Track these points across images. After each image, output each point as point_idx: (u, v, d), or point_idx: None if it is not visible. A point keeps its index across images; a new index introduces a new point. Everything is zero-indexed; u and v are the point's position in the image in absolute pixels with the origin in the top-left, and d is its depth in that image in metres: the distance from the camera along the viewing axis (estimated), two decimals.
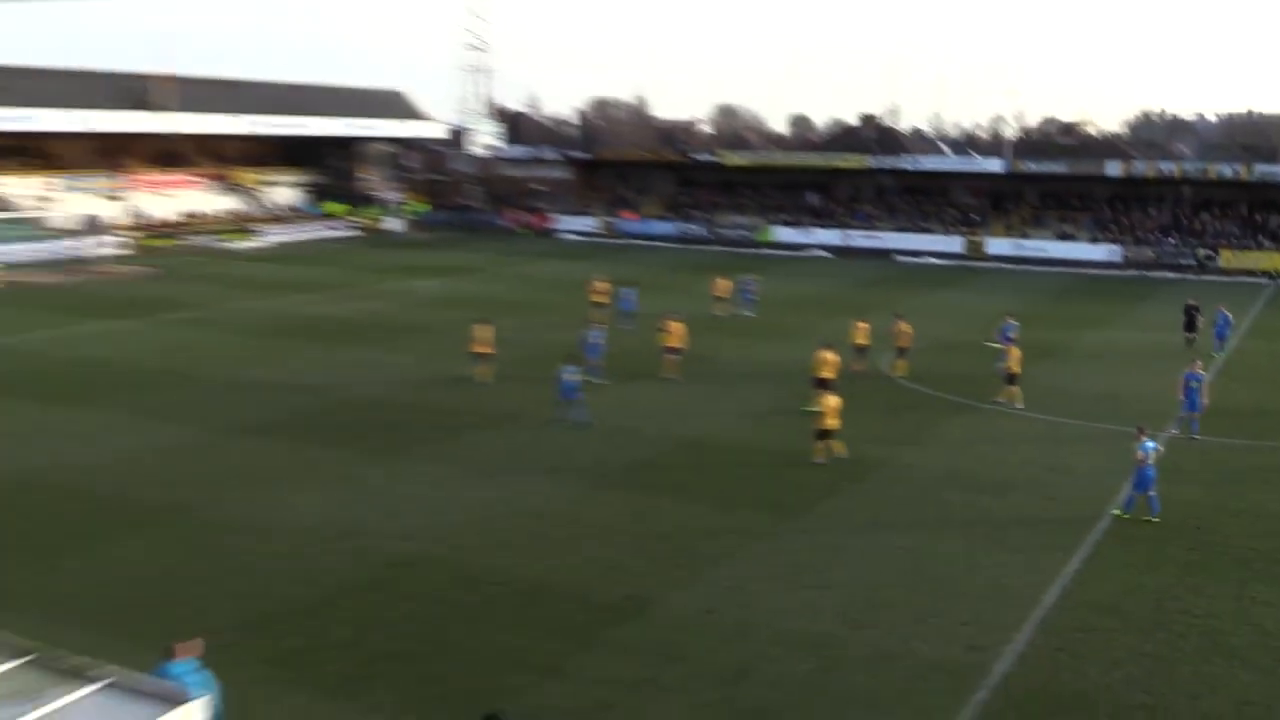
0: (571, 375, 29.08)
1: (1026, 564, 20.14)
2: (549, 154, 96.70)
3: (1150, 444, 22.49)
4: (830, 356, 30.57)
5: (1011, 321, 37.61)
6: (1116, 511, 22.66)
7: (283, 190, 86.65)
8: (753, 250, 75.88)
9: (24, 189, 70.54)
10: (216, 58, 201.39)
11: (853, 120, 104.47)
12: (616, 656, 16.43)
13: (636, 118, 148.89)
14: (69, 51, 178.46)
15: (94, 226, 69.68)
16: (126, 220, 73.48)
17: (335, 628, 17.27)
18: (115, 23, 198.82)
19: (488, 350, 33.68)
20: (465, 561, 20.05)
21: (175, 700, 11.40)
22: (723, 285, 48.11)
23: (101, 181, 74.96)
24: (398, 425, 29.12)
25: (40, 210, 69.65)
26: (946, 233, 77.40)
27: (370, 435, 28.12)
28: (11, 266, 57.29)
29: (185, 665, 12.20)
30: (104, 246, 67.12)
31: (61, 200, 71.55)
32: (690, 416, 30.37)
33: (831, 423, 25.79)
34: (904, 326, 35.66)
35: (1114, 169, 77.90)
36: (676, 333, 34.87)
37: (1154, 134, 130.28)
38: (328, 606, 18.06)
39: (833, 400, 26.19)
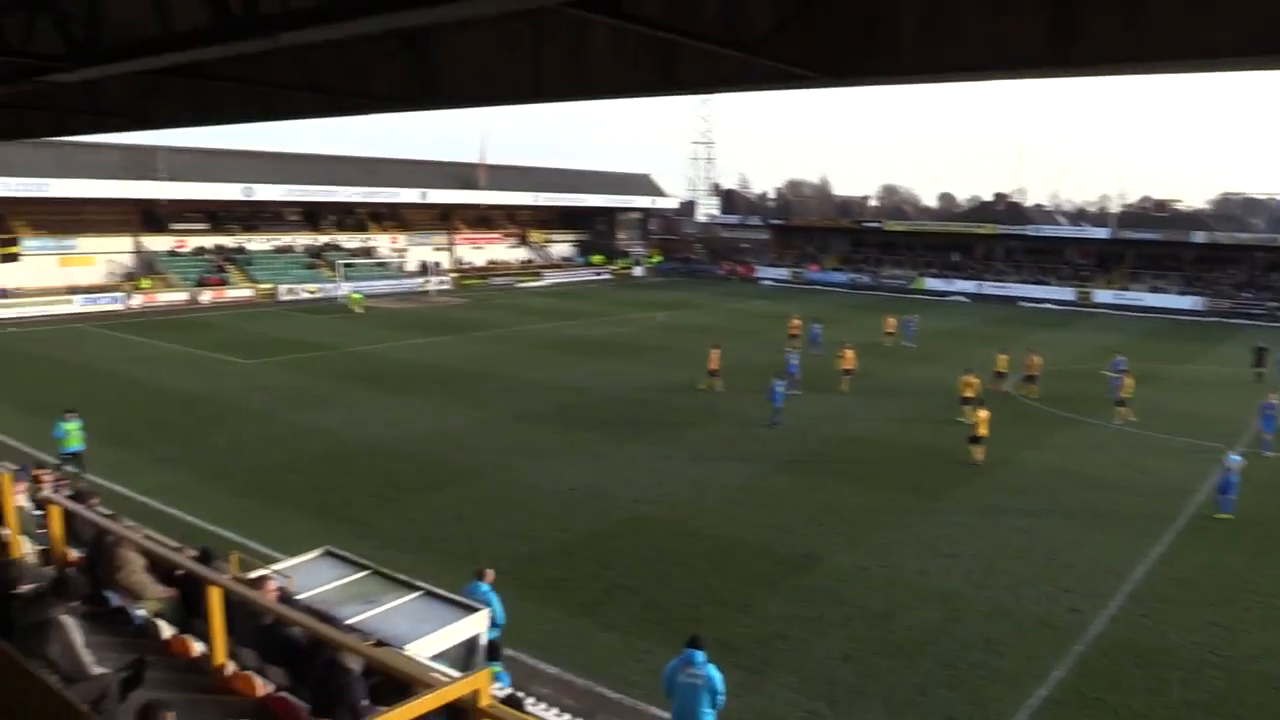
0: (780, 387, 28.76)
1: (1120, 546, 18.87)
2: (754, 220, 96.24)
3: (1235, 457, 20.96)
4: (973, 379, 29.51)
5: (1121, 357, 35.49)
6: (1221, 515, 20.66)
7: (560, 245, 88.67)
8: (906, 295, 73.75)
9: (384, 242, 74.20)
10: (518, 149, 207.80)
11: (987, 196, 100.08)
12: (791, 598, 16.12)
13: (820, 194, 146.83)
14: (418, 146, 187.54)
15: (429, 269, 72.72)
16: (450, 265, 76.47)
17: (583, 564, 17.47)
18: (449, 125, 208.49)
19: (718, 367, 33.33)
20: (681, 520, 20.02)
21: (469, 609, 11.70)
22: (891, 322, 46.46)
23: (436, 238, 78.14)
24: (636, 418, 29.30)
25: (394, 257, 73.17)
26: (1062, 285, 73.16)
27: (615, 424, 28.37)
28: (371, 296, 60.41)
29: (485, 585, 12.57)
30: (434, 284, 70.00)
31: (408, 250, 74.96)
32: (855, 420, 29.52)
33: (983, 431, 24.77)
34: (1035, 358, 33.98)
35: (1199, 237, 72.55)
36: (849, 357, 34.07)
37: (1231, 210, 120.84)
38: (579, 548, 18.31)
39: (984, 413, 25.15)
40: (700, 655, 10.84)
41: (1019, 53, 7.72)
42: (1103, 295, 70.37)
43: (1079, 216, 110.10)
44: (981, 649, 14.39)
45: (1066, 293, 71.82)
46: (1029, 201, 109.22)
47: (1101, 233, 78.13)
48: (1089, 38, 7.41)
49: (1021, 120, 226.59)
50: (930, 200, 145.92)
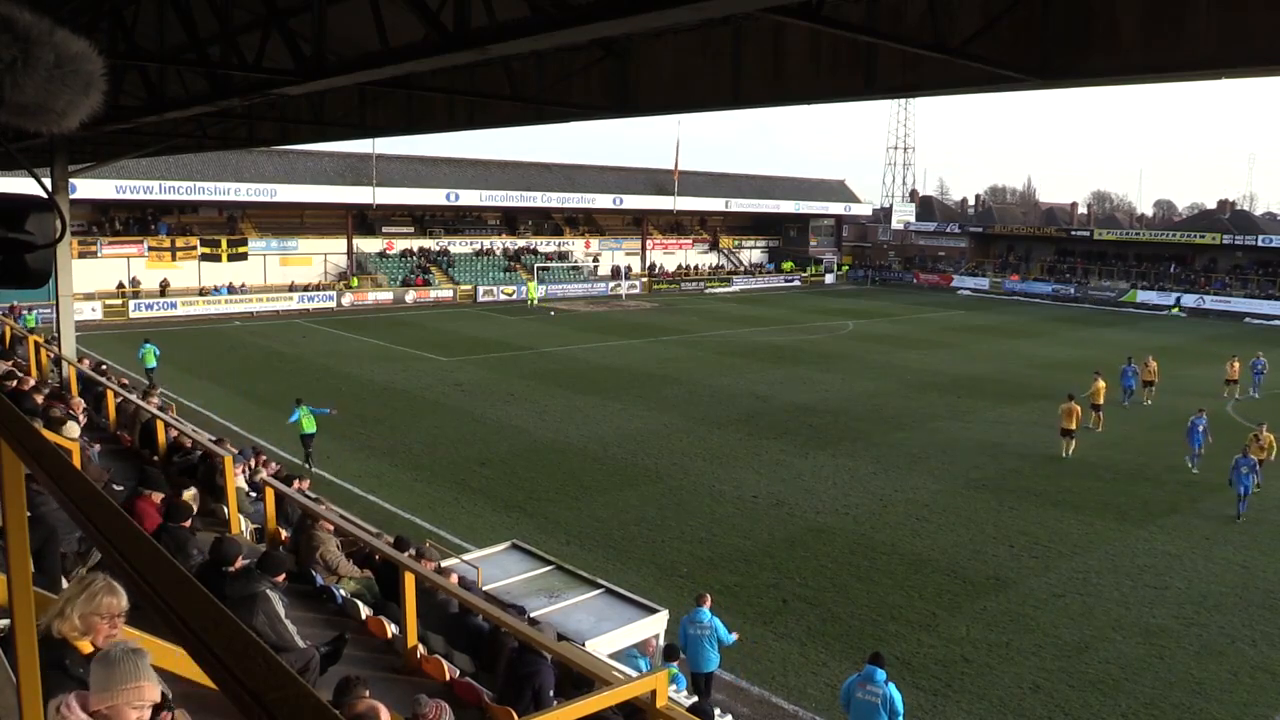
0: (1246, 468, 21.46)
1: None
2: (952, 228, 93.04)
3: None
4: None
5: None
6: None
7: (750, 251, 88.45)
8: (1115, 308, 69.62)
9: (578, 247, 76.04)
10: (710, 154, 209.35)
11: (1210, 204, 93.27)
12: (978, 622, 15.47)
13: (1024, 201, 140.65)
14: (614, 154, 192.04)
15: (620, 274, 73.99)
16: (642, 270, 77.57)
17: (762, 572, 17.35)
18: (645, 133, 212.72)
19: (1100, 402, 28.97)
20: (863, 533, 19.57)
21: (649, 609, 11.83)
22: (1235, 367, 35.39)
23: (629, 242, 79.41)
24: (820, 427, 28.79)
25: (588, 261, 74.87)
26: None
27: (800, 432, 28.00)
28: (564, 299, 62.00)
29: (708, 611, 12.60)
30: (625, 288, 71.20)
31: (601, 254, 76.54)
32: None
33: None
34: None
35: None
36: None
37: None
38: (758, 556, 18.18)
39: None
40: (881, 673, 10.60)
41: (1264, 47, 7.15)
42: None
43: None
44: (1188, 690, 13.38)
45: None
46: (1258, 209, 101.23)
47: None
48: None
49: (1249, 123, 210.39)
50: (1146, 208, 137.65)
